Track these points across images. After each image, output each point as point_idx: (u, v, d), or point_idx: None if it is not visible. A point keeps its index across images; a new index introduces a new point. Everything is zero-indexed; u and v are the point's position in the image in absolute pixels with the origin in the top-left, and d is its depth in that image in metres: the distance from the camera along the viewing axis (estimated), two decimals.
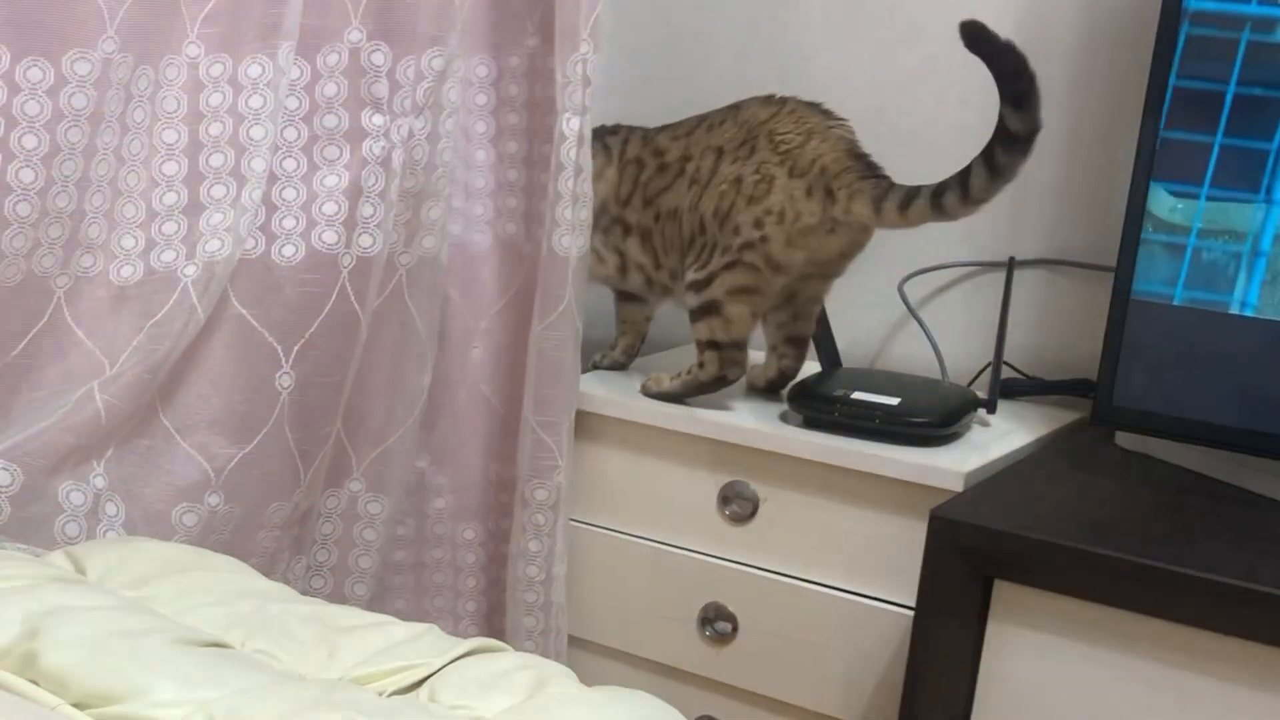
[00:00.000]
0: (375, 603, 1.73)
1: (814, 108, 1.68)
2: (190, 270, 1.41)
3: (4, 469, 1.34)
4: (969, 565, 1.39)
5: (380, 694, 1.06)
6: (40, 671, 0.99)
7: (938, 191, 1.55)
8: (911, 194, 1.57)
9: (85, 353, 1.39)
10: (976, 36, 1.48)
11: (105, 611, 1.05)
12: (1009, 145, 1.51)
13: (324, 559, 1.66)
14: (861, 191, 1.59)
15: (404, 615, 1.74)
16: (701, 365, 1.68)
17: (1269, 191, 1.44)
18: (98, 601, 1.07)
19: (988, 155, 1.53)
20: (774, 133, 1.65)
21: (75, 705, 0.98)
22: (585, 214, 1.64)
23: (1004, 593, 1.39)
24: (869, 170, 1.61)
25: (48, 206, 1.32)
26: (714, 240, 1.65)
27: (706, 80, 2.00)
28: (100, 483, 1.41)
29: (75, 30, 1.30)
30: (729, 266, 1.64)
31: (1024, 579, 1.37)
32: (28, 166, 1.29)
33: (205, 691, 0.98)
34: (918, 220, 1.57)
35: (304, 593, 1.61)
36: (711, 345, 1.66)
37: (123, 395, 1.38)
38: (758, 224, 1.62)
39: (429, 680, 1.08)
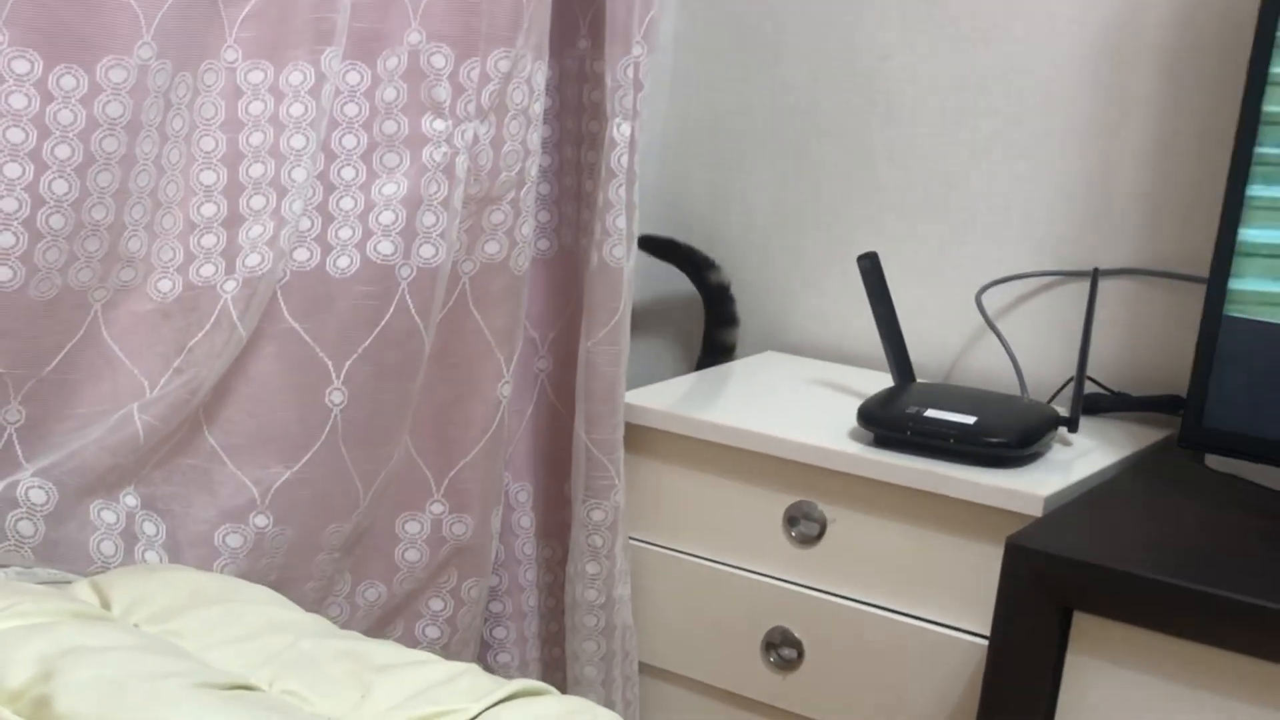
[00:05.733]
0: (478, 637, 1.69)
1: None
2: (230, 286, 1.36)
3: (39, 488, 1.30)
4: (1047, 596, 1.33)
5: None
6: (54, 717, 0.94)
7: None
8: None
9: (124, 372, 1.34)
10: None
11: (124, 652, 1.00)
12: None
13: (410, 588, 1.60)
14: None
15: (505, 644, 1.72)
16: None
17: None
18: (117, 640, 1.02)
19: None
20: None
21: None
22: (636, 224, 1.59)
23: (1084, 625, 1.33)
24: None
25: (83, 219, 1.27)
26: None
27: (778, 81, 1.93)
28: (132, 501, 1.37)
29: (110, 36, 1.25)
30: None
31: (1106, 611, 1.31)
32: (61, 177, 1.25)
33: None
34: None
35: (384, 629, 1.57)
36: None
37: (162, 416, 1.34)
38: None
39: None
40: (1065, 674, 1.34)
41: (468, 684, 1.06)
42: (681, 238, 1.98)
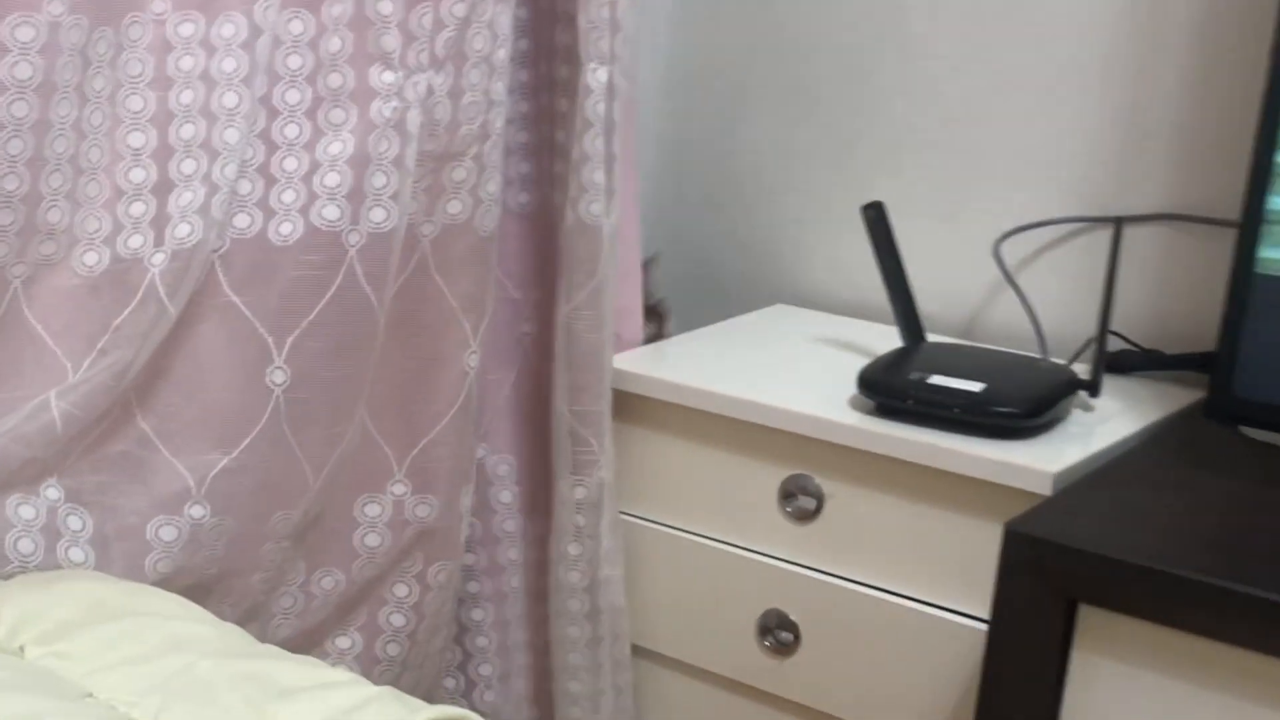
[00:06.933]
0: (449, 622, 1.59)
1: None
2: (158, 259, 1.26)
3: None
4: (1050, 587, 1.22)
5: None
6: None
7: None
8: None
9: (47, 353, 1.25)
10: None
11: None
12: None
13: (371, 574, 1.50)
14: None
15: (483, 627, 1.62)
16: None
17: None
18: None
19: None
20: None
21: None
22: (617, 179, 1.46)
23: (1091, 619, 1.21)
24: None
25: None
26: None
27: (785, 12, 1.80)
28: (54, 494, 1.27)
29: None
30: None
31: (1114, 605, 1.20)
32: None
33: None
34: None
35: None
36: None
37: (82, 403, 1.24)
38: None
39: None
40: (1070, 671, 1.23)
41: (375, 711, 0.97)
42: (685, 183, 1.86)
